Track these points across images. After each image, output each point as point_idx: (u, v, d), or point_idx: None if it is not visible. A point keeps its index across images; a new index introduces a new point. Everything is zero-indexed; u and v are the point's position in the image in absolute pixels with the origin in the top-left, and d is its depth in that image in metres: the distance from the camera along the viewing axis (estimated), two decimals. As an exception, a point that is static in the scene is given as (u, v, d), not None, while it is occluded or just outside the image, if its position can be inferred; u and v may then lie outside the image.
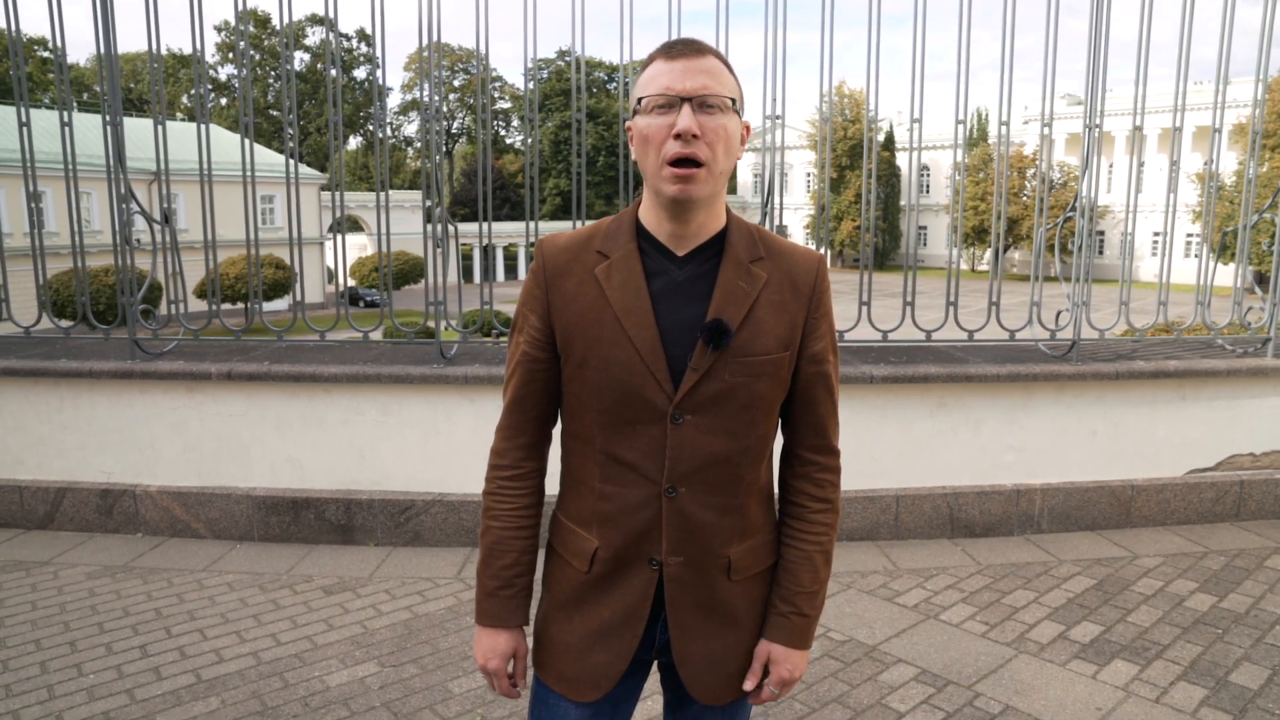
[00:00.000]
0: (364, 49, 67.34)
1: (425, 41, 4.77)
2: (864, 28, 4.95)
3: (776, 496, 1.80)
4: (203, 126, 4.87)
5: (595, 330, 1.59)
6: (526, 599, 1.76)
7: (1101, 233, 48.68)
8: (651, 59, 1.55)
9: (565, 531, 1.73)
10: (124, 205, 4.97)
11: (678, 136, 1.48)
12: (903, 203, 58.25)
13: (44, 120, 6.70)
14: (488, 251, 4.84)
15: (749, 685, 1.75)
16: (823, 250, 5.40)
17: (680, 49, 1.53)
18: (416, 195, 48.49)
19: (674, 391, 1.57)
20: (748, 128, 1.61)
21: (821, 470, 1.73)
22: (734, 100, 1.53)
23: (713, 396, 1.58)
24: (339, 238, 5.29)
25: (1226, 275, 5.78)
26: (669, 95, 1.49)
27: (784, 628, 1.72)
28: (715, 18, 4.92)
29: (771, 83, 4.99)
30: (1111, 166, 46.88)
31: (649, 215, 1.62)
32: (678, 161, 1.49)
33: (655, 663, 1.81)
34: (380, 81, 5.12)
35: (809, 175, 67.02)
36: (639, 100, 1.54)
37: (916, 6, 4.95)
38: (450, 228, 5.24)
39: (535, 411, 1.72)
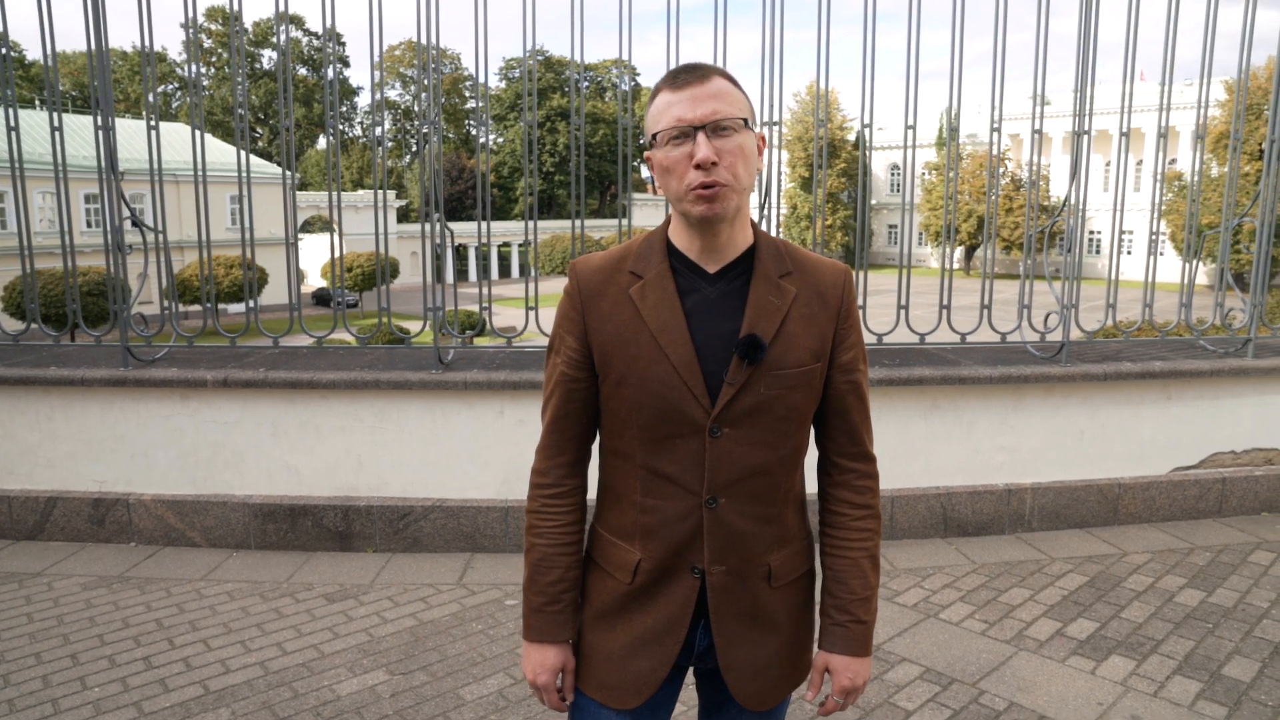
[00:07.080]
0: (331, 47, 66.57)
1: (421, 40, 4.77)
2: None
3: (819, 506, 1.82)
4: (189, 130, 4.84)
5: (632, 349, 1.61)
6: (574, 614, 1.77)
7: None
8: (658, 90, 1.57)
9: (606, 544, 1.75)
10: (117, 211, 4.91)
11: (698, 166, 1.51)
12: (873, 201, 58.66)
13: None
14: (483, 254, 4.84)
15: (810, 697, 1.78)
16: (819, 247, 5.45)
17: (685, 77, 1.54)
18: (387, 194, 48.04)
19: (711, 406, 1.60)
20: (763, 138, 1.63)
21: (860, 477, 1.76)
22: (746, 119, 1.55)
23: (749, 409, 1.61)
24: (336, 238, 5.27)
25: (1201, 274, 5.91)
26: (682, 126, 1.52)
27: (843, 637, 1.74)
28: (713, 13, 4.97)
29: (768, 87, 5.05)
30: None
31: (679, 235, 1.65)
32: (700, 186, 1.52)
33: (691, 668, 1.83)
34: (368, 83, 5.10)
35: (781, 175, 67.15)
36: (653, 135, 1.57)
37: (910, 8, 5.02)
38: (448, 232, 5.24)
39: (575, 430, 1.74)
